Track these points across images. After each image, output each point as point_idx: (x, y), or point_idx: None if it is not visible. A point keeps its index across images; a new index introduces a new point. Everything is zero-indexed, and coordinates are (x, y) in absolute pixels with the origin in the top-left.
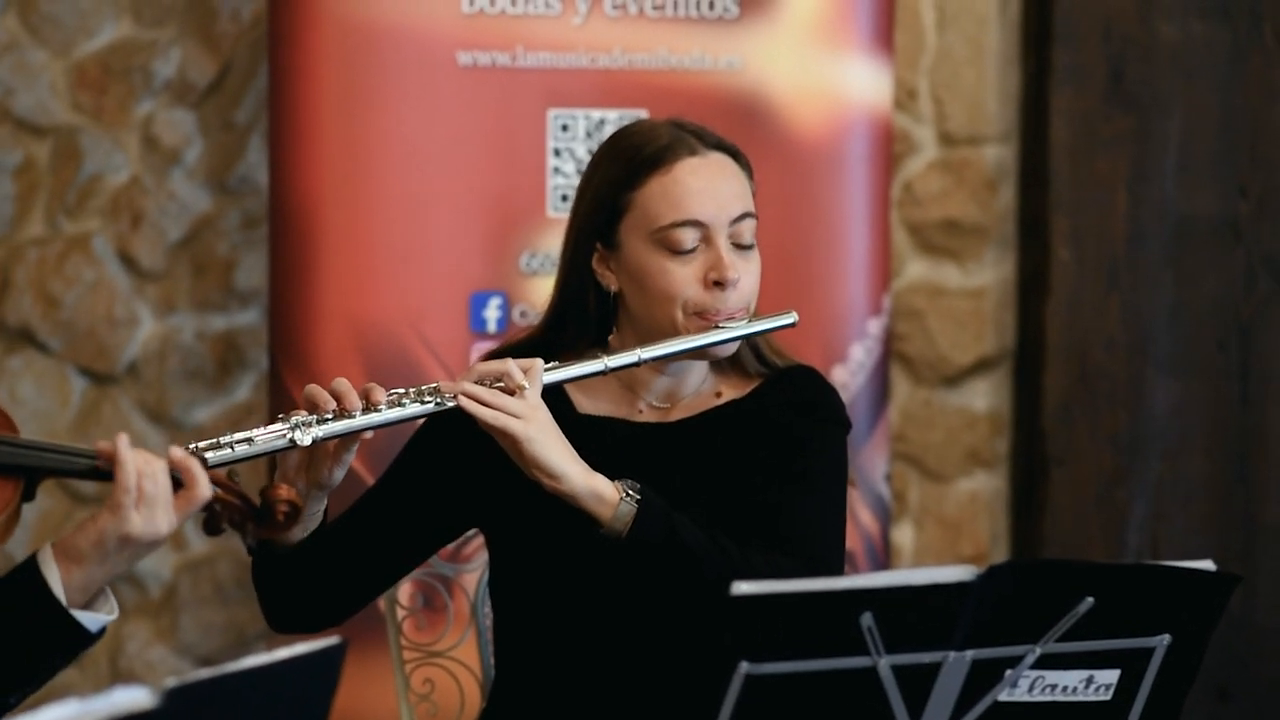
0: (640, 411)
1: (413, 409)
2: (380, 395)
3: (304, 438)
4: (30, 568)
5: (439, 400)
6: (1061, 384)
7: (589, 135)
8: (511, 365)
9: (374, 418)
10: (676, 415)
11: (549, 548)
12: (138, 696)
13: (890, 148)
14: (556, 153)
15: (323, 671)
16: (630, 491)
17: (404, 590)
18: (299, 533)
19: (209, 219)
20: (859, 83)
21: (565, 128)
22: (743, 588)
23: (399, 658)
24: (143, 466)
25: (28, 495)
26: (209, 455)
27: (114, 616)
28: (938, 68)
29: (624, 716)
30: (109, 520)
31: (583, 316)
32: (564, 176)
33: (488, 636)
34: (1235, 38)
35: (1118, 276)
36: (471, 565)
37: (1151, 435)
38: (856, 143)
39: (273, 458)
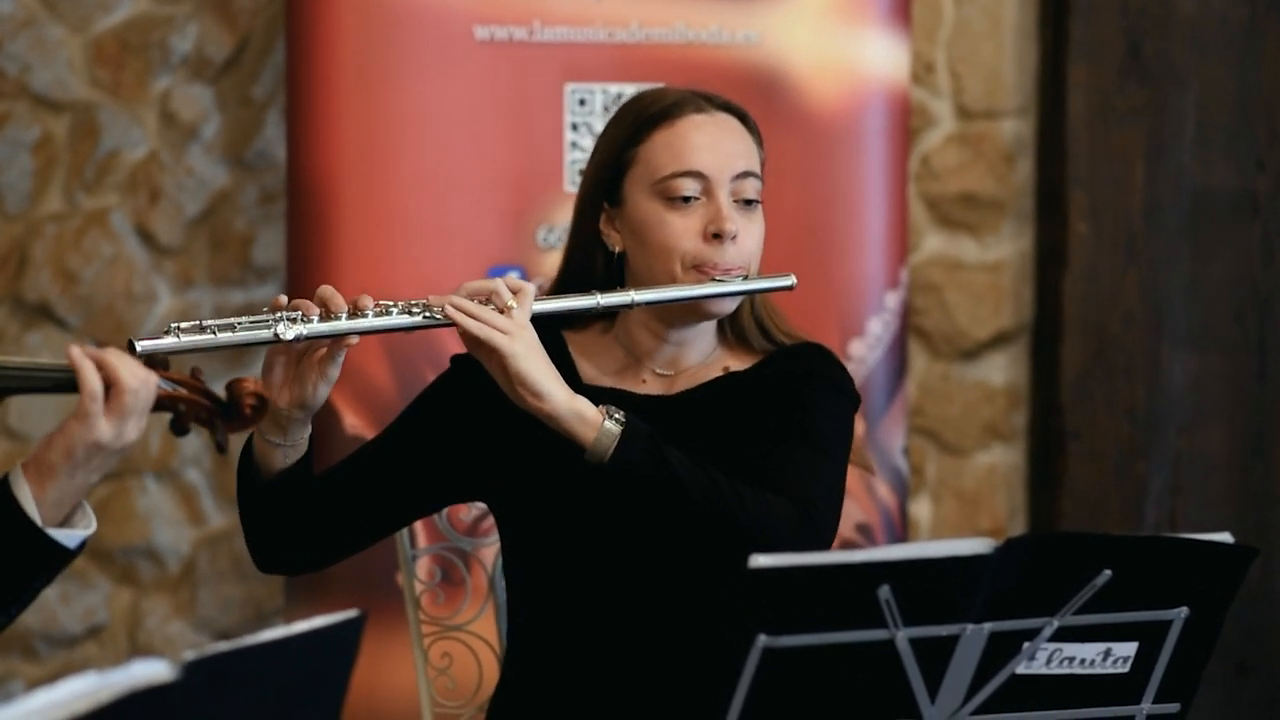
0: (644, 381)
1: (400, 319)
2: (368, 303)
3: (287, 332)
4: (1, 489)
5: (429, 313)
6: (1079, 358)
7: (606, 110)
8: (500, 284)
9: (360, 323)
10: (680, 386)
11: (559, 519)
12: (156, 669)
13: (907, 121)
14: (574, 127)
15: (341, 644)
16: (615, 415)
17: (422, 564)
18: (282, 459)
19: (227, 194)
20: (876, 56)
21: (583, 102)
22: (761, 561)
23: (417, 631)
24: (128, 380)
25: None
26: (185, 339)
27: (91, 530)
28: (955, 41)
29: (640, 691)
30: (77, 428)
31: (589, 280)
32: (581, 151)
33: (505, 611)
34: (1253, 11)
35: (1135, 250)
36: (490, 539)
37: (1169, 409)
38: (874, 116)
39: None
